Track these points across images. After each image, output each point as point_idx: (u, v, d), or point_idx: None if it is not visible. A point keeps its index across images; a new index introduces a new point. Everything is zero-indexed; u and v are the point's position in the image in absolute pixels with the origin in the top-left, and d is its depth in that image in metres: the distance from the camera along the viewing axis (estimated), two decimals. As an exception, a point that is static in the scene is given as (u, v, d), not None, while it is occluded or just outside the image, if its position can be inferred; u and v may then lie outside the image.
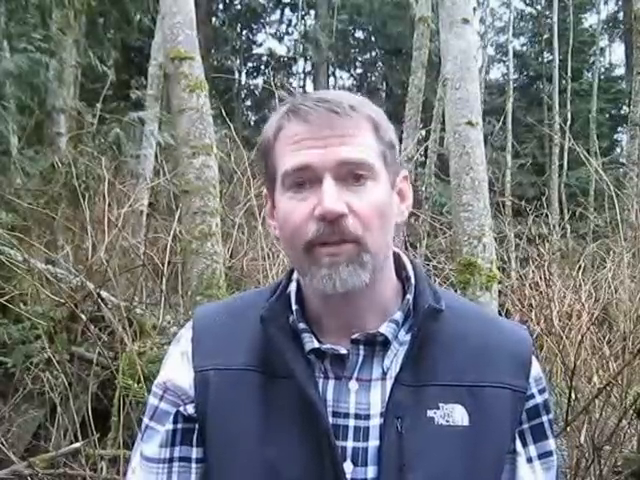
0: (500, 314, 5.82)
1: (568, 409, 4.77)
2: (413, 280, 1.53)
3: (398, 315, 1.49)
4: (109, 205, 6.55)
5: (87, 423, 5.08)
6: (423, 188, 13.75)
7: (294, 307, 1.51)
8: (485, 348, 1.50)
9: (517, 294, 7.26)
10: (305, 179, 1.38)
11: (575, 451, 5.09)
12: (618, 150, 29.80)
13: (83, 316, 5.94)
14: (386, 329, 1.45)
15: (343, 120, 1.37)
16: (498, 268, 4.90)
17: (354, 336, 1.44)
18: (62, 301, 6.13)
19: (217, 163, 5.70)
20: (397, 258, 1.58)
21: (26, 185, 10.18)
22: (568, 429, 4.96)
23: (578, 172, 22.94)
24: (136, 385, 4.92)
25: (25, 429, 6.13)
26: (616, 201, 9.36)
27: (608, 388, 5.16)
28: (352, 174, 1.37)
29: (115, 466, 5.19)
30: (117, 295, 6.26)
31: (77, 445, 5.22)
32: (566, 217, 14.12)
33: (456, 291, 4.71)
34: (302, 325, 1.49)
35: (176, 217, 6.49)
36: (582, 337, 5.61)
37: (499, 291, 5.28)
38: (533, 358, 1.55)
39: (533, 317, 6.56)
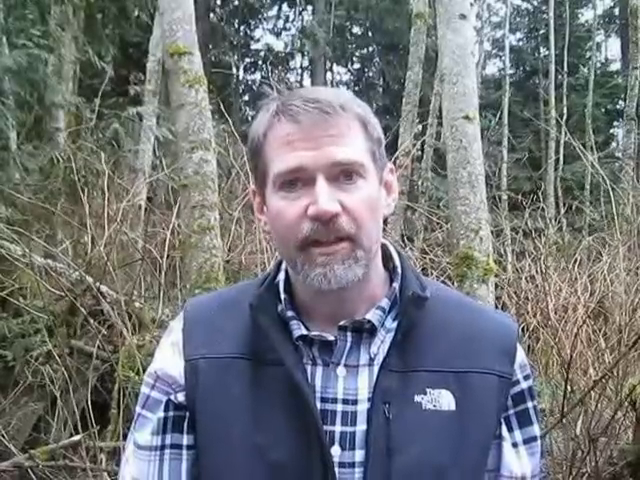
0: (497, 307, 5.85)
1: (564, 401, 4.79)
2: (399, 269, 1.57)
3: (384, 302, 1.52)
4: (108, 200, 6.55)
5: (87, 416, 5.09)
6: (420, 182, 13.78)
7: (282, 296, 1.53)
8: (471, 335, 1.53)
9: (513, 287, 7.28)
10: (298, 179, 1.39)
11: (571, 443, 5.13)
12: (614, 144, 29.71)
13: (82, 310, 5.95)
14: (373, 316, 1.48)
15: (334, 120, 1.39)
16: (495, 261, 4.92)
17: (341, 323, 1.47)
18: (62, 295, 6.16)
19: (215, 158, 5.72)
20: (384, 249, 1.61)
21: (25, 180, 10.17)
22: (564, 421, 4.99)
23: (574, 166, 22.91)
24: (135, 377, 4.95)
25: (25, 422, 6.16)
26: (612, 195, 9.37)
27: (604, 380, 5.19)
28: (344, 173, 1.39)
29: (115, 458, 5.23)
30: (116, 289, 6.26)
31: (77, 437, 5.26)
32: (562, 211, 14.19)
33: (453, 284, 4.74)
34: (290, 313, 1.52)
35: (174, 211, 6.49)
36: (578, 330, 5.64)
37: (495, 284, 5.30)
38: (518, 345, 1.57)
39: (529, 310, 6.59)
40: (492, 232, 6.16)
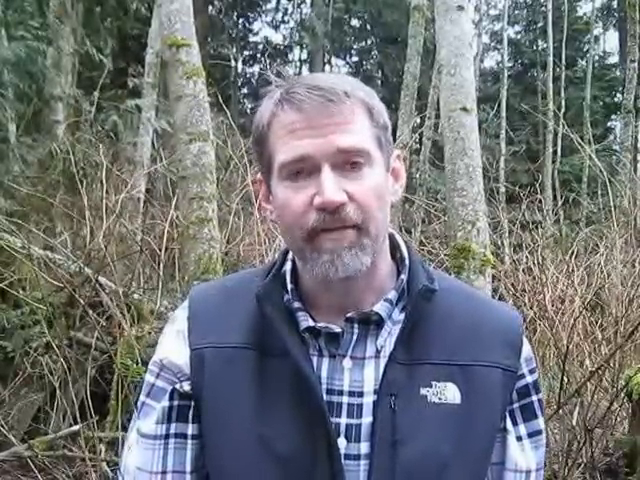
0: (494, 299, 5.87)
1: (560, 392, 4.82)
2: (407, 261, 1.54)
3: (392, 294, 1.49)
4: (107, 192, 6.54)
5: (86, 406, 5.11)
6: (418, 175, 13.79)
7: (289, 286, 1.51)
8: (477, 328, 1.51)
9: (511, 279, 7.27)
10: (303, 168, 1.37)
11: (567, 433, 5.14)
12: (611, 137, 29.78)
13: (81, 301, 5.95)
14: (380, 308, 1.46)
15: (338, 107, 1.36)
16: (492, 253, 4.92)
17: (348, 315, 1.45)
18: (61, 286, 6.15)
19: (214, 150, 5.72)
20: (391, 239, 1.58)
21: (24, 172, 10.18)
22: (560, 412, 5.01)
23: (572, 159, 23.01)
24: (134, 368, 4.96)
25: (25, 412, 6.17)
26: (609, 187, 9.38)
27: (600, 371, 5.21)
28: (349, 161, 1.36)
29: (114, 448, 5.25)
30: (115, 280, 6.26)
31: (76, 428, 5.26)
32: (559, 203, 14.17)
33: (450, 275, 4.75)
34: (297, 304, 1.49)
35: (173, 203, 6.48)
36: (574, 321, 5.66)
37: (493, 276, 5.30)
38: (524, 338, 1.56)
39: (526, 301, 6.60)
40: (490, 224, 6.17)
